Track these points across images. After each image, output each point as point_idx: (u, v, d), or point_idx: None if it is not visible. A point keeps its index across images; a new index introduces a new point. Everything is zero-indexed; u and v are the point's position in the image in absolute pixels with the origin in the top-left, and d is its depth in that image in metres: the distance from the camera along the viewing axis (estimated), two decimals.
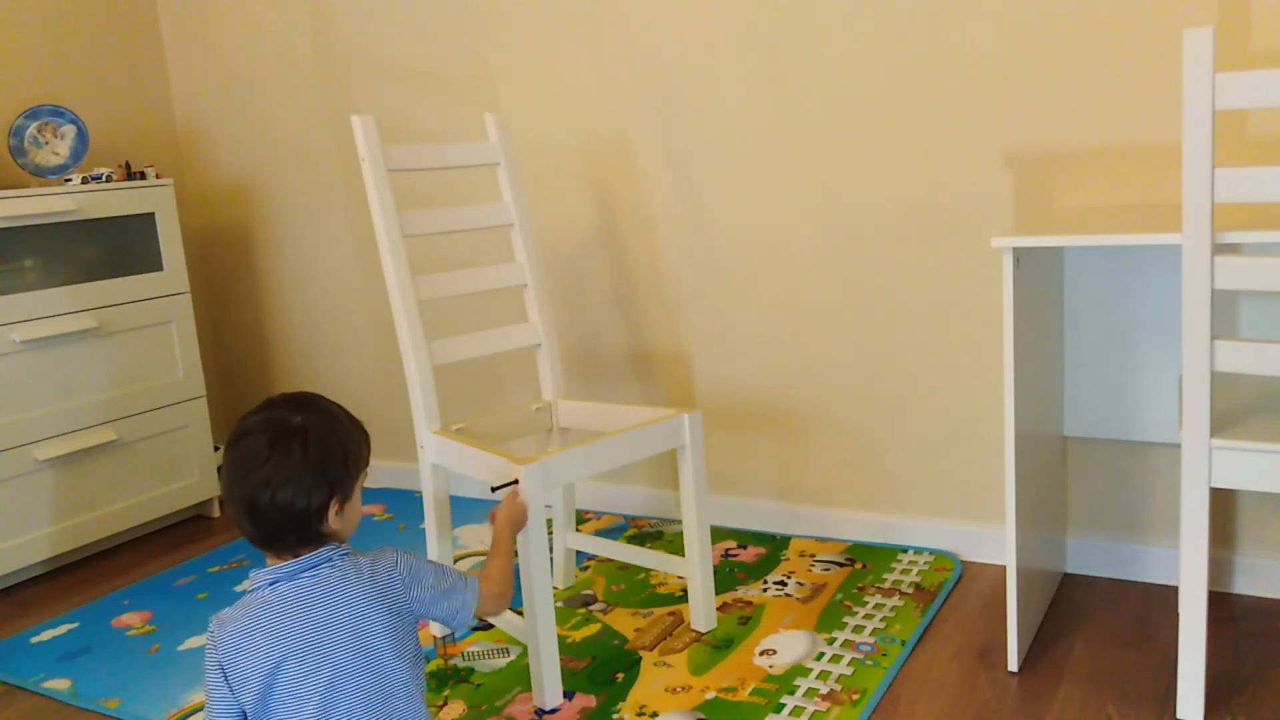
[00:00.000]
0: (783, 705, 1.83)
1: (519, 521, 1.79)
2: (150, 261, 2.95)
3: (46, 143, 2.90)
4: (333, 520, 1.36)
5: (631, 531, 2.72)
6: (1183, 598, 1.66)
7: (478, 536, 2.77)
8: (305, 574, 1.34)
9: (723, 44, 2.48)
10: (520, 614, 1.89)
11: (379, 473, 3.29)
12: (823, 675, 1.93)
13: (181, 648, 2.27)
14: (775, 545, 2.55)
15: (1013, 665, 1.91)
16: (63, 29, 3.14)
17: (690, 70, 2.54)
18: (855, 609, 2.18)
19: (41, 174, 2.89)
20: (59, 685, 2.14)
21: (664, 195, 2.64)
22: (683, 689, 1.91)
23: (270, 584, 1.34)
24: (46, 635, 2.39)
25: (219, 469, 3.12)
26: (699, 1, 2.49)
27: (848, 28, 2.33)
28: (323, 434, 1.36)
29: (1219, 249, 1.55)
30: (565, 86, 2.71)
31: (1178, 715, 1.72)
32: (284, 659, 1.29)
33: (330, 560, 1.36)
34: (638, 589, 2.37)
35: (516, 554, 1.73)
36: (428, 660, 2.11)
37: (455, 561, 2.58)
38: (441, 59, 2.88)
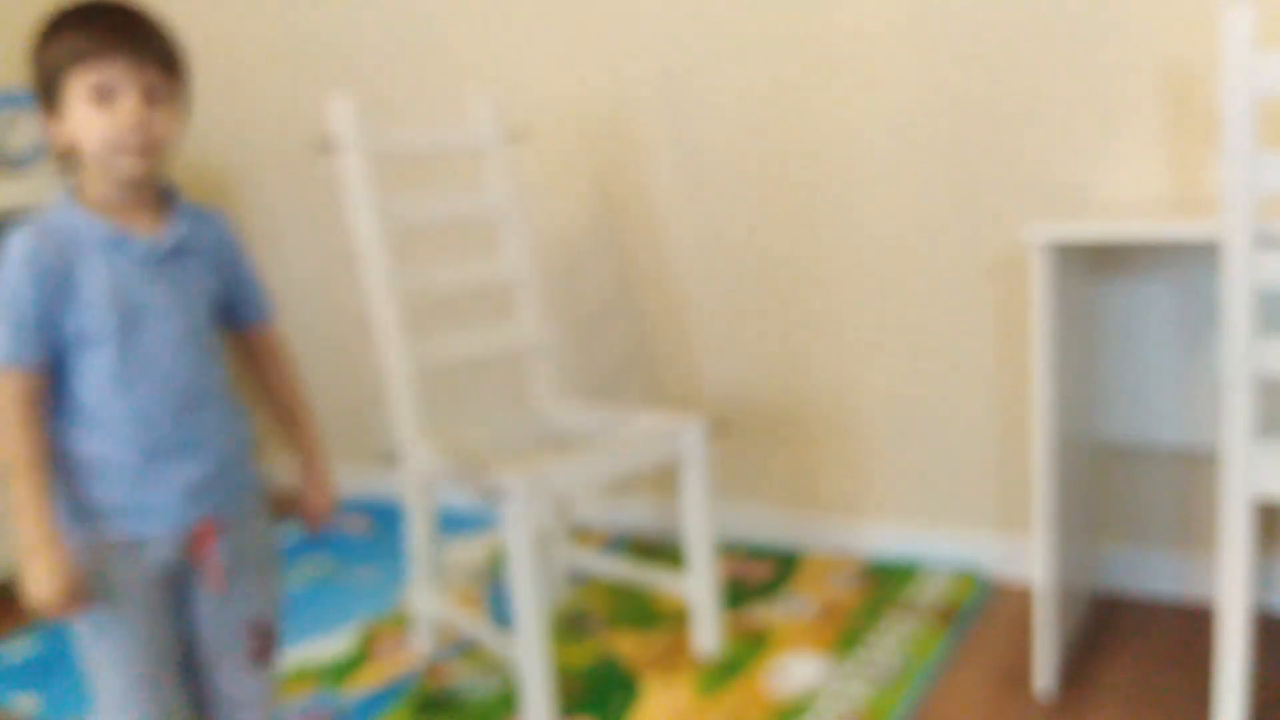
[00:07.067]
0: None
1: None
2: None
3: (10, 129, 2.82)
4: None
5: (632, 547, 2.64)
6: (1222, 617, 1.57)
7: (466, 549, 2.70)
8: None
9: (730, 12, 2.38)
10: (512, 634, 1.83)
11: (361, 482, 3.20)
12: (836, 701, 1.85)
13: None
14: (787, 561, 2.46)
15: (1042, 691, 1.84)
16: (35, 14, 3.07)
17: (695, 43, 2.43)
18: (872, 630, 2.10)
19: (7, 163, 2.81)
20: (25, 702, 2.08)
21: (667, 181, 2.55)
22: (686, 715, 1.85)
23: None
24: (11, 648, 2.31)
25: None
26: None
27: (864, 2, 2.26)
28: None
29: (1264, 242, 1.47)
30: (556, 61, 2.61)
31: None
32: None
33: None
34: (638, 608, 2.29)
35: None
36: (416, 680, 2.02)
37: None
38: (425, 39, 2.79)
